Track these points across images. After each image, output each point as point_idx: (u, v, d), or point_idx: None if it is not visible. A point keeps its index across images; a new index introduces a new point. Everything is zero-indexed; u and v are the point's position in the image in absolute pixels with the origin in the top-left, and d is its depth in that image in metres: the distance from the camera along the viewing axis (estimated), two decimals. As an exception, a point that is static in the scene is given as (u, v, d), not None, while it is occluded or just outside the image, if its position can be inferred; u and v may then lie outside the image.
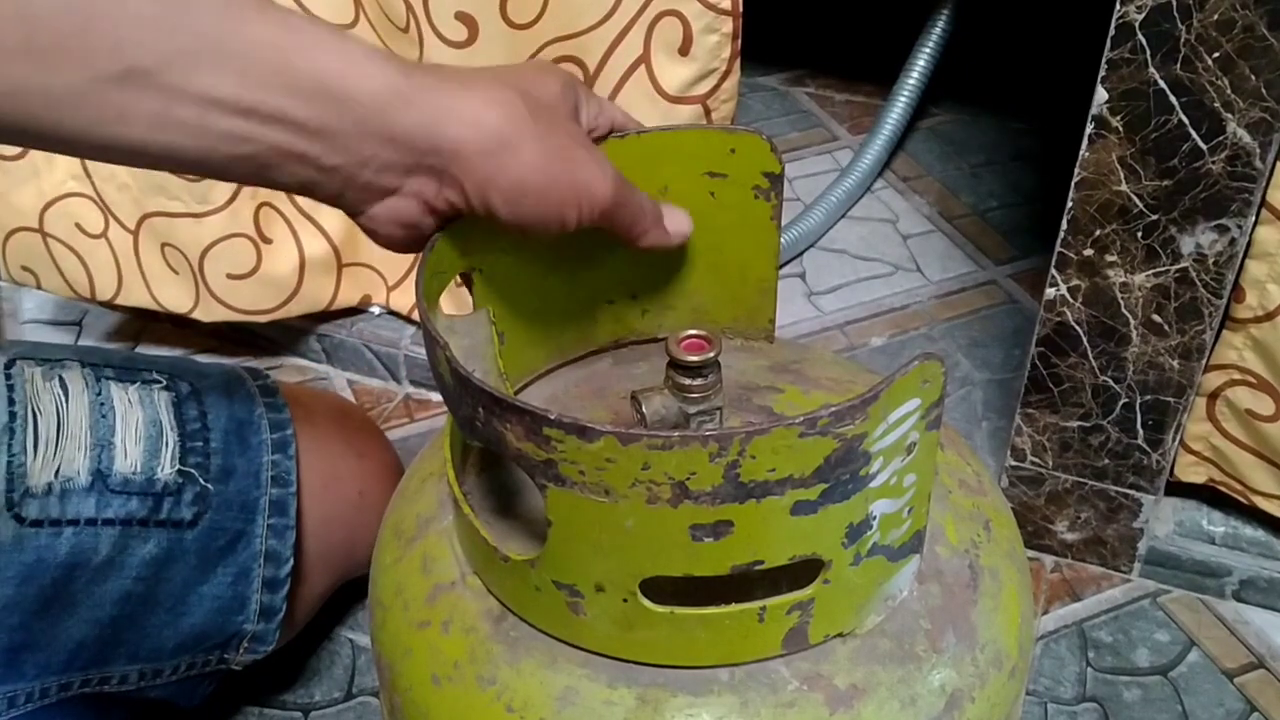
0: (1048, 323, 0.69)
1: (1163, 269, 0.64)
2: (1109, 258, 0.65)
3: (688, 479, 0.37)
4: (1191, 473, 0.74)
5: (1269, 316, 0.65)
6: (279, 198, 0.84)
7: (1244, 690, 0.71)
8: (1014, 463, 0.76)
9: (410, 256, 0.87)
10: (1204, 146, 0.60)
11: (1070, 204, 0.64)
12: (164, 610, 0.59)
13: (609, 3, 0.68)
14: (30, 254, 0.88)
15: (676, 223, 0.50)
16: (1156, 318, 0.66)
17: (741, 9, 0.68)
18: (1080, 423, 0.72)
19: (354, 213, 0.45)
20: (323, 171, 0.42)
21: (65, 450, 0.55)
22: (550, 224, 0.45)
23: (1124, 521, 0.75)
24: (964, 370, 0.92)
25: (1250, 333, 0.66)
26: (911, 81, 1.09)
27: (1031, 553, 0.79)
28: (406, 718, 0.46)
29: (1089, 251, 0.65)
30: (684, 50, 0.69)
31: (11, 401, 0.53)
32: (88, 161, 0.83)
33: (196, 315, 0.88)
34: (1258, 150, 0.59)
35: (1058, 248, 0.66)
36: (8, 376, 0.54)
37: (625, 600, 0.40)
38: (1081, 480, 0.75)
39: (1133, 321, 0.67)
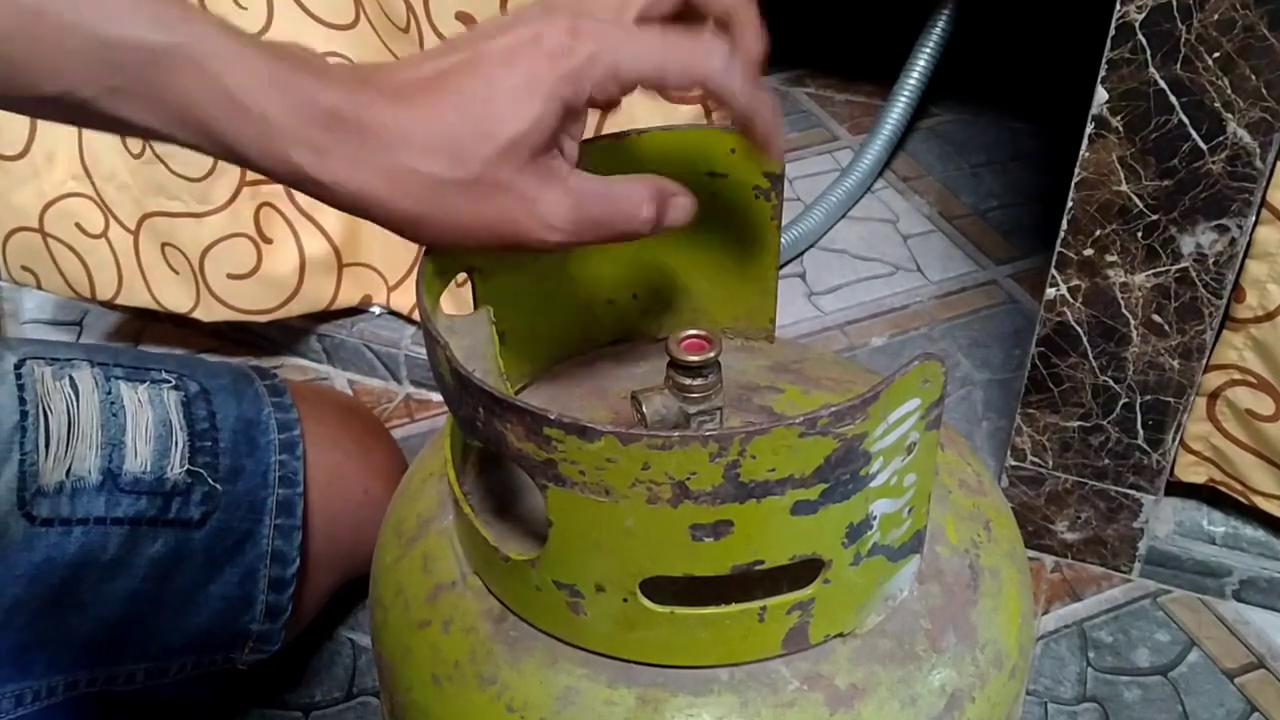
0: (1048, 323, 0.69)
1: (1163, 269, 0.64)
2: (1109, 258, 0.65)
3: (688, 479, 0.37)
4: (1192, 473, 0.74)
5: (1269, 316, 0.65)
6: (280, 198, 0.84)
7: (1244, 690, 0.71)
8: (1014, 463, 0.76)
9: (411, 256, 0.87)
10: (1204, 146, 0.60)
11: (1070, 204, 0.64)
12: (171, 610, 0.59)
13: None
14: (30, 254, 0.88)
15: (675, 211, 0.44)
16: (1157, 318, 0.66)
17: (742, 9, 0.68)
18: (1080, 423, 0.72)
19: None
20: None
21: (76, 450, 0.55)
22: (503, 253, 0.43)
23: (1124, 521, 0.75)
24: (964, 370, 0.92)
25: (1250, 333, 0.66)
26: (911, 81, 1.09)
27: (1032, 553, 0.79)
28: (407, 718, 0.46)
29: (1089, 251, 0.65)
30: (684, 50, 0.69)
31: (22, 401, 0.54)
32: (88, 162, 0.83)
33: (197, 315, 0.88)
34: (1258, 150, 0.59)
35: (1058, 248, 0.66)
36: (18, 376, 0.54)
37: (625, 600, 0.40)
38: (1082, 480, 0.75)
39: (1133, 321, 0.67)
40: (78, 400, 0.56)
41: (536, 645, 0.43)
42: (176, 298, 0.88)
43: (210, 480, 0.58)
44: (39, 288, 0.91)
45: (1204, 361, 0.67)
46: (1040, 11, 1.27)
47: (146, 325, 0.99)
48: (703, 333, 0.46)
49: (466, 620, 0.45)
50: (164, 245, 0.85)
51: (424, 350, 0.85)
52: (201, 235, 0.84)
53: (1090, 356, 0.69)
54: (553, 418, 0.37)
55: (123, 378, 0.58)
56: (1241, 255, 0.63)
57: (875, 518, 0.40)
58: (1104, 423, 0.71)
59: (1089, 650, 0.74)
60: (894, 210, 1.08)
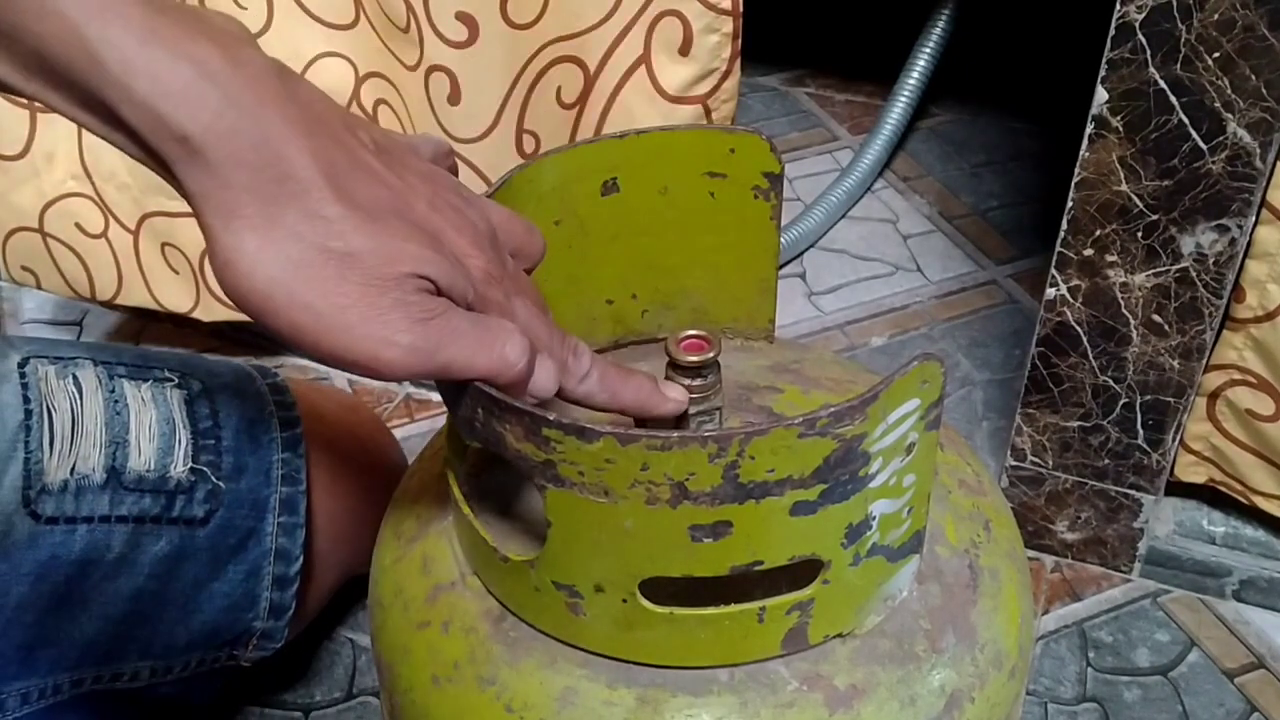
0: (1048, 323, 0.69)
1: (1163, 269, 0.64)
2: (1109, 258, 0.65)
3: (687, 479, 0.37)
4: (1192, 473, 0.74)
5: (1269, 316, 0.65)
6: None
7: (1244, 690, 0.71)
8: (1014, 463, 0.76)
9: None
10: (1204, 146, 0.60)
11: (1070, 204, 0.64)
12: (175, 607, 0.59)
13: (609, 2, 0.68)
14: (30, 254, 0.88)
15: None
16: (1156, 318, 0.66)
17: (742, 9, 0.68)
18: (1080, 423, 0.72)
19: None
20: None
21: (81, 448, 0.55)
22: None
23: (1124, 521, 0.75)
24: (964, 370, 0.92)
25: (1250, 333, 0.66)
26: (911, 81, 1.09)
27: (1031, 553, 0.79)
28: (406, 718, 0.46)
29: (1089, 251, 0.65)
30: (684, 50, 0.69)
31: (26, 400, 0.54)
32: (88, 161, 0.83)
33: (197, 315, 0.88)
34: (1258, 150, 0.59)
35: (1058, 248, 0.66)
36: (22, 375, 0.54)
37: (625, 601, 0.40)
38: (1082, 480, 0.75)
39: (1133, 321, 0.67)
40: (81, 399, 0.56)
41: (536, 646, 0.43)
42: (176, 298, 0.88)
43: (213, 478, 0.59)
44: (39, 288, 0.91)
45: (1204, 361, 0.67)
46: (1040, 11, 1.27)
47: (146, 325, 0.99)
48: (702, 333, 0.46)
49: (466, 621, 0.45)
50: (164, 245, 0.85)
51: (424, 350, 0.85)
52: (201, 235, 0.83)
53: (1090, 356, 0.69)
54: (552, 418, 0.37)
55: (126, 376, 0.58)
56: (1241, 255, 0.63)
57: (874, 518, 0.40)
58: (1104, 423, 0.71)
59: (1089, 650, 0.74)
60: (894, 210, 1.08)
